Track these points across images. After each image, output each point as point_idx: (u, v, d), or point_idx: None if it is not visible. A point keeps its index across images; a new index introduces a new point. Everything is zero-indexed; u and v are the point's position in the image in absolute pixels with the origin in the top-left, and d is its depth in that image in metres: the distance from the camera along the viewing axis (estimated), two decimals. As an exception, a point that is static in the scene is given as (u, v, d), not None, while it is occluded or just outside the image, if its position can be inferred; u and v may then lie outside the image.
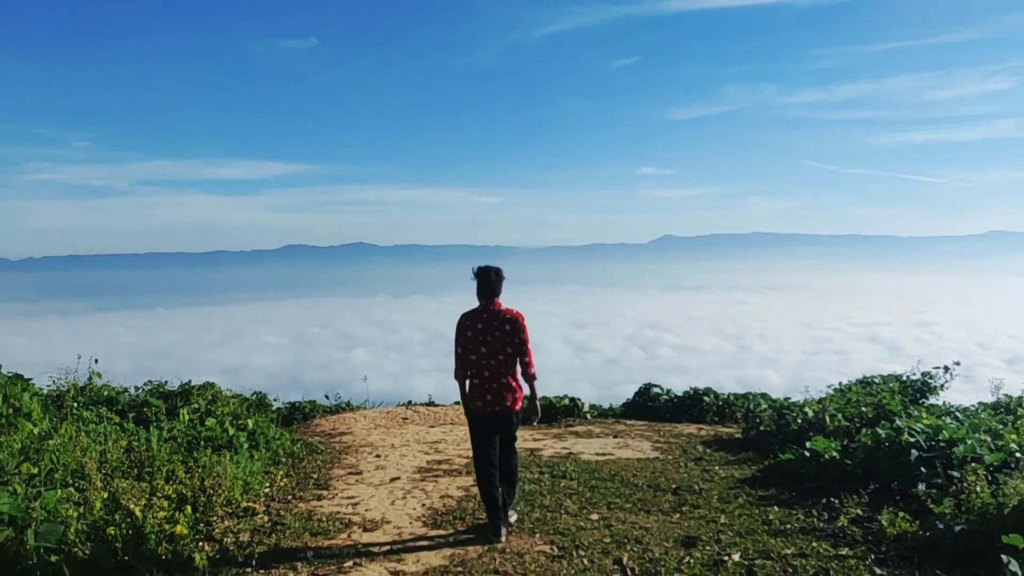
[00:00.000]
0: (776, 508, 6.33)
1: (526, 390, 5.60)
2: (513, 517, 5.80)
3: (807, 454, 7.38)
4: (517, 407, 5.52)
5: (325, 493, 7.01)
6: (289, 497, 6.82)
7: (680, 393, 13.27)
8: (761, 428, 9.58)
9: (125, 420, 8.32)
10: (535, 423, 6.22)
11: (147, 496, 5.85)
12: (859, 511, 5.95)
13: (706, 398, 12.81)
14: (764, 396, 13.66)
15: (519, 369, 5.52)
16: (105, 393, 9.41)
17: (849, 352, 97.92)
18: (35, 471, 5.79)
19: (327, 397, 14.83)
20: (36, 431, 6.14)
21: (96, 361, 9.56)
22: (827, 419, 8.85)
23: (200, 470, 6.90)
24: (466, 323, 5.49)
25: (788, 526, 5.79)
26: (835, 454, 7.21)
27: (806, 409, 9.51)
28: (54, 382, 9.32)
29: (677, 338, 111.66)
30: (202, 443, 7.55)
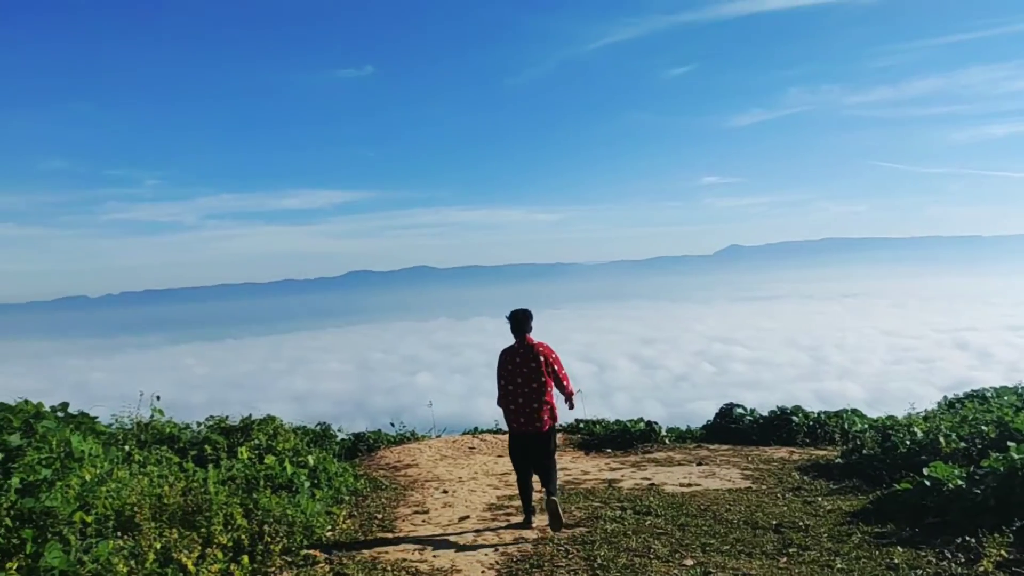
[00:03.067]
0: (900, 549, 5.49)
1: (559, 408, 6.80)
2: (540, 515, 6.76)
3: (927, 483, 6.48)
4: (546, 427, 6.66)
5: (390, 536, 6.51)
6: (352, 541, 6.33)
7: (766, 413, 12.34)
8: (864, 451, 8.65)
9: (185, 459, 8.04)
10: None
11: (201, 546, 5.46)
12: (1004, 553, 5.08)
13: (795, 417, 11.86)
14: (856, 412, 12.61)
15: (552, 393, 6.69)
16: (167, 431, 9.18)
17: (935, 360, 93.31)
18: (88, 519, 5.46)
19: (392, 424, 14.48)
20: (89, 476, 5.84)
21: (158, 398, 9.36)
22: (941, 440, 7.91)
23: (259, 513, 6.51)
24: (505, 358, 6.69)
25: (919, 572, 4.97)
26: (960, 482, 6.30)
27: (914, 429, 8.57)
28: (116, 420, 9.16)
29: (749, 351, 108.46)
30: (261, 483, 7.17)
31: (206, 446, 8.86)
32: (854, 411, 12.67)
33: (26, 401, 9.12)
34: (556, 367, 6.65)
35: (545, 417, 6.58)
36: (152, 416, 9.17)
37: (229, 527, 5.99)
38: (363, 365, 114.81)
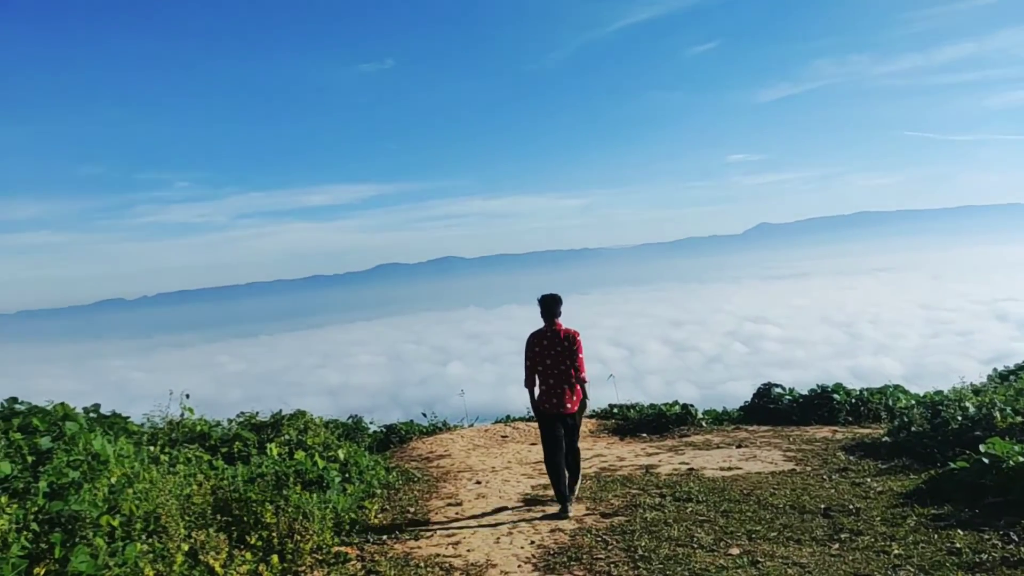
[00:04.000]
0: (960, 532, 5.18)
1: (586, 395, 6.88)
2: (577, 504, 6.86)
3: (985, 460, 6.14)
4: (575, 408, 6.80)
5: (423, 531, 6.33)
6: (384, 537, 6.17)
7: (805, 391, 11.95)
8: (913, 429, 8.28)
9: (216, 457, 7.96)
10: (584, 415, 7.25)
11: (229, 547, 5.34)
12: (1075, 534, 4.76)
13: (836, 396, 11.47)
14: (899, 388, 12.19)
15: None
16: (198, 428, 9.13)
17: (974, 333, 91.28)
18: (115, 523, 5.37)
19: (424, 415, 14.39)
20: (114, 478, 5.74)
21: (187, 396, 9.32)
22: (996, 415, 7.51)
23: (289, 510, 6.38)
24: (534, 341, 6.86)
25: (984, 556, 4.66)
26: (1021, 459, 5.95)
27: (965, 403, 8.16)
28: (148, 420, 9.13)
29: (781, 330, 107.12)
30: (291, 479, 7.05)
31: (236, 443, 8.80)
32: (897, 387, 12.26)
33: (62, 404, 9.15)
34: (579, 352, 6.77)
35: (574, 398, 6.79)
36: (183, 414, 9.13)
37: (259, 526, 5.87)
38: (395, 357, 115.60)
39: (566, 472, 6.73)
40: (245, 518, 5.96)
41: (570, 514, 6.52)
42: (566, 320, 6.99)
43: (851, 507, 6.02)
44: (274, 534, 5.79)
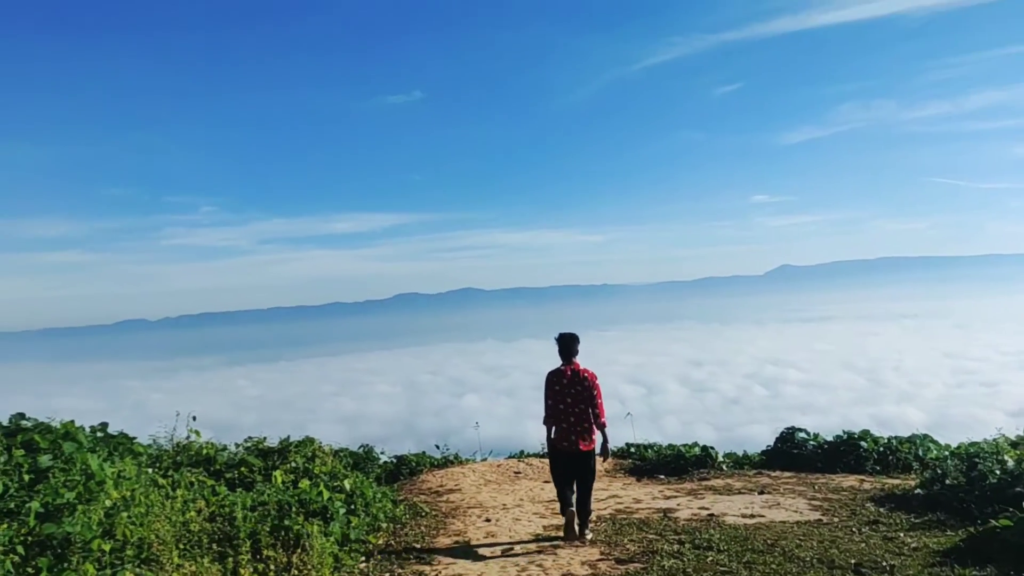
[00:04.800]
0: (1005, 598, 4.79)
1: (598, 435, 6.93)
2: (589, 536, 6.90)
3: (1029, 519, 5.73)
4: (591, 447, 6.84)
5: (427, 570, 6.03)
6: (387, 574, 5.87)
7: (831, 437, 11.52)
8: (947, 481, 7.85)
9: (219, 482, 7.73)
10: (606, 461, 7.51)
11: (224, 578, 5.08)
12: None
13: (863, 443, 11.02)
14: (928, 438, 11.70)
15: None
16: (204, 452, 8.92)
17: (999, 384, 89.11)
18: (107, 547, 5.14)
19: (437, 447, 14.12)
20: (110, 501, 5.52)
21: (194, 418, 9.14)
22: (1037, 470, 7.09)
23: (291, 541, 6.12)
24: (553, 379, 6.94)
25: (1033, 626, 4.27)
26: (1070, 520, 5.55)
27: (1004, 457, 7.74)
28: (155, 442, 8.95)
29: (802, 374, 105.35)
30: (294, 509, 6.79)
31: (242, 468, 8.57)
32: (926, 436, 11.78)
33: (70, 422, 9.00)
34: (597, 395, 6.85)
35: (591, 438, 6.86)
36: (188, 437, 8.94)
37: (256, 557, 5.61)
38: (411, 387, 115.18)
39: (573, 504, 6.81)
40: (243, 548, 5.70)
41: (579, 537, 6.74)
42: (586, 356, 7.05)
43: (884, 564, 5.64)
44: (271, 567, 5.53)
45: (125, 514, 5.38)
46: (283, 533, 6.35)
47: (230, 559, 5.54)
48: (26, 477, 5.88)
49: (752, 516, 7.65)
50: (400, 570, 6.00)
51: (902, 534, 6.59)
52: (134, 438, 9.16)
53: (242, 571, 5.58)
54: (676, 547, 6.35)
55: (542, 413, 6.96)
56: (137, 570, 5.12)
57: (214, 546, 5.54)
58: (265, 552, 5.60)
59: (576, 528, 6.78)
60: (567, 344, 6.92)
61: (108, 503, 5.45)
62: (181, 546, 5.44)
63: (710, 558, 5.97)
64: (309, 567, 5.51)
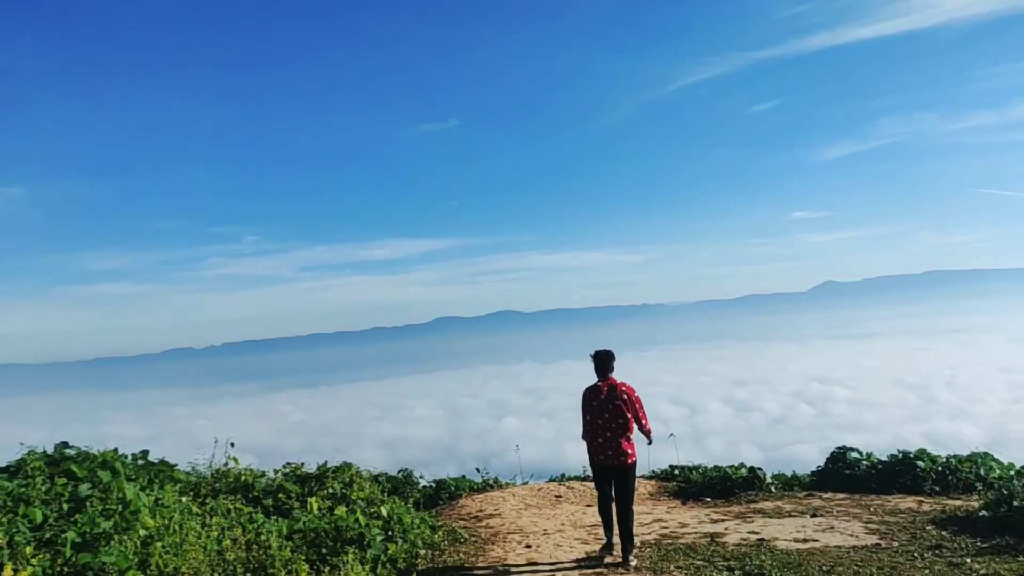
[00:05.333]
0: (1089, 629, 4.41)
1: (637, 446, 7.10)
2: (633, 562, 6.80)
3: (1109, 544, 5.33)
4: (630, 460, 6.95)
5: (466, 599, 5.84)
6: (424, 604, 5.70)
7: (884, 457, 11.03)
8: (1015, 503, 7.39)
9: (256, 509, 7.66)
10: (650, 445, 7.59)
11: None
12: None
13: (920, 462, 10.52)
14: (990, 456, 11.12)
15: (633, 429, 7.01)
16: (242, 479, 8.88)
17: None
18: (141, 578, 5.07)
19: (478, 470, 13.96)
20: (144, 531, 5.46)
21: (232, 444, 9.12)
22: (1115, 490, 6.63)
23: (326, 570, 6.00)
24: (590, 395, 7.11)
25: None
26: None
27: (1076, 476, 7.27)
28: (193, 469, 8.96)
29: (850, 392, 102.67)
30: (330, 536, 6.67)
31: (280, 494, 8.50)
32: (987, 455, 11.21)
33: (113, 451, 9.05)
34: (637, 406, 7.01)
35: (629, 451, 6.96)
36: (227, 463, 8.92)
37: (294, 585, 5.50)
38: (451, 410, 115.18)
39: (612, 515, 7.04)
40: (278, 577, 5.59)
41: (614, 552, 6.97)
42: (627, 376, 7.16)
43: (952, 593, 5.27)
44: (307, 597, 5.40)
45: (159, 544, 5.31)
46: (320, 562, 6.24)
47: (265, 589, 5.43)
48: (65, 507, 5.88)
49: (805, 541, 7.30)
50: (438, 600, 5.82)
51: (969, 559, 6.19)
52: (175, 465, 9.19)
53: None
54: (725, 575, 6.05)
55: (580, 430, 7.14)
56: (172, 600, 5.04)
57: (250, 574, 5.44)
58: (299, 581, 5.48)
59: (618, 551, 6.87)
60: (603, 361, 7.07)
61: (143, 532, 5.40)
62: (218, 575, 5.35)
63: (762, 586, 5.66)
64: (344, 597, 5.37)
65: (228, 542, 5.93)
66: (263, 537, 6.23)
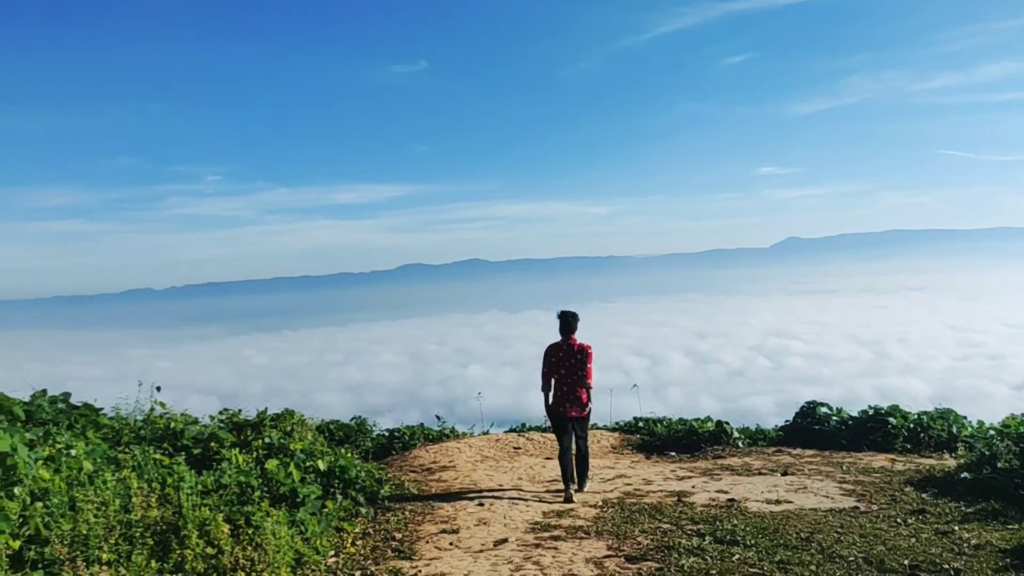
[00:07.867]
0: (1103, 613, 3.91)
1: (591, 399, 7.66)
2: (587, 486, 7.74)
3: (1114, 514, 4.85)
4: (586, 412, 7.62)
5: (406, 566, 5.19)
6: (358, 572, 5.04)
7: (856, 413, 10.65)
8: (999, 465, 6.97)
9: (177, 459, 6.87)
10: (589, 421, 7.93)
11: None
12: None
13: (892, 419, 10.14)
14: (953, 413, 10.79)
15: (592, 384, 7.60)
16: (171, 426, 8.06)
17: (1006, 357, 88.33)
18: (15, 544, 4.30)
19: (438, 417, 13.40)
20: (19, 490, 4.66)
21: (159, 389, 8.30)
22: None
23: (250, 532, 5.29)
24: (551, 352, 7.63)
25: None
26: None
27: (1063, 438, 6.84)
28: (117, 414, 8.14)
29: (806, 346, 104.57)
30: (258, 493, 5.95)
31: (212, 443, 7.72)
32: (952, 411, 10.88)
33: (43, 391, 8.22)
34: (587, 360, 7.51)
35: (585, 402, 7.56)
36: (152, 409, 8.11)
37: (203, 556, 4.78)
38: (416, 357, 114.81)
39: (573, 466, 7.46)
40: (189, 542, 4.87)
41: (574, 501, 7.15)
42: (591, 327, 7.74)
43: (946, 566, 4.76)
44: (220, 567, 4.69)
45: (40, 504, 4.53)
46: (243, 522, 5.52)
47: (172, 556, 4.71)
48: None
49: (778, 502, 6.80)
50: (374, 567, 5.16)
51: (956, 527, 5.71)
52: (100, 409, 8.34)
53: (193, 565, 4.75)
54: (695, 541, 5.49)
55: (540, 382, 7.58)
56: (63, 569, 4.30)
57: (150, 540, 4.70)
58: (222, 544, 4.77)
59: (574, 487, 7.39)
60: (567, 321, 7.56)
61: (17, 491, 4.61)
62: (112, 540, 4.60)
63: (736, 556, 5.11)
64: (262, 565, 4.67)
65: (136, 499, 5.17)
66: (174, 493, 5.48)
